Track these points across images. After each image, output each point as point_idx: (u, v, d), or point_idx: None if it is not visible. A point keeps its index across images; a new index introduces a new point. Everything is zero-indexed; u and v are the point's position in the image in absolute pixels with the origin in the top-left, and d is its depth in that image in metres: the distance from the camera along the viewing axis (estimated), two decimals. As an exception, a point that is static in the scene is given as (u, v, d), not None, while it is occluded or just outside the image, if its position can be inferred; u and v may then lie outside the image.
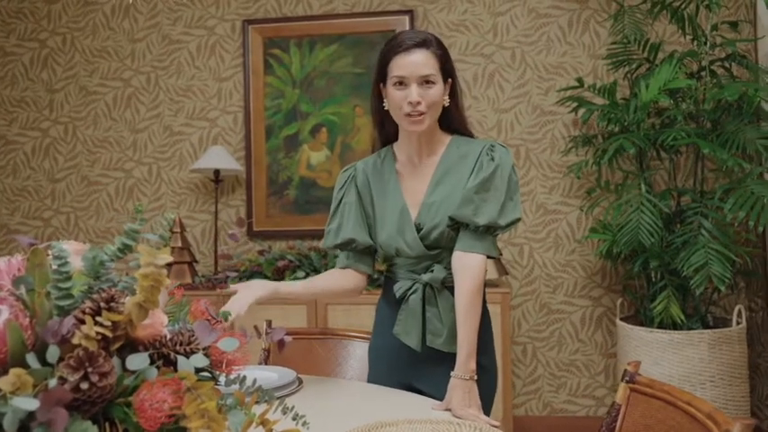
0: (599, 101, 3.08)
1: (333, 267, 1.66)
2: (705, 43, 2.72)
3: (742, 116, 2.58)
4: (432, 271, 1.49)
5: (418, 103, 1.42)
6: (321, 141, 3.43)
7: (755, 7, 3.00)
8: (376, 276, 2.82)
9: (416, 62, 1.42)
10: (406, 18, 3.34)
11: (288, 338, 0.96)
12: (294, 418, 0.97)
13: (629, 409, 1.23)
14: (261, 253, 3.22)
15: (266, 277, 3.02)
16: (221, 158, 3.27)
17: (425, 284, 1.50)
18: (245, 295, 1.39)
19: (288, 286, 1.50)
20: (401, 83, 1.43)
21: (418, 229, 1.49)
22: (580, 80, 3.07)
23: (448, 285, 1.49)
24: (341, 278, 1.60)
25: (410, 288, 1.51)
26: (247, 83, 3.46)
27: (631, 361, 1.28)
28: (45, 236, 3.66)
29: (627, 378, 1.25)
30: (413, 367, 1.54)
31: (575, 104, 3.07)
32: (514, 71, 3.35)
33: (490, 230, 1.43)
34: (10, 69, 3.69)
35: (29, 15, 3.68)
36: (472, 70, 3.37)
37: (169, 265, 2.85)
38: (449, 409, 1.35)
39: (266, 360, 1.86)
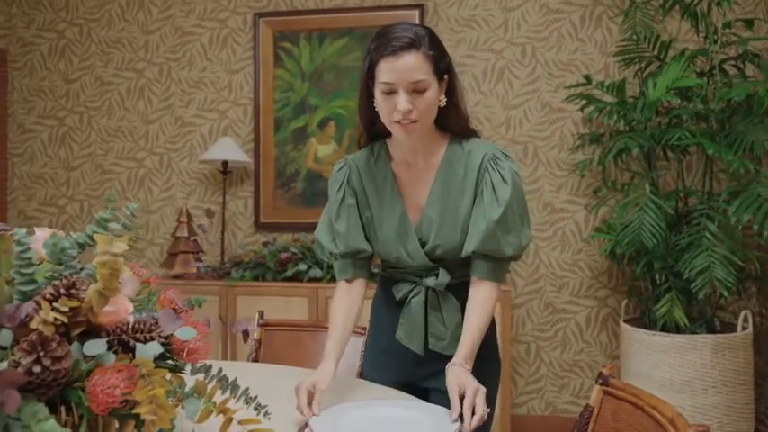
0: (608, 98, 3.03)
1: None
2: (716, 41, 2.66)
3: (751, 117, 2.52)
4: (436, 276, 1.41)
5: (409, 111, 1.27)
6: (329, 135, 3.44)
7: (773, 5, 2.93)
8: (376, 271, 2.83)
9: (406, 67, 1.25)
10: (416, 12, 3.33)
11: (252, 329, 0.97)
12: (256, 408, 0.98)
13: (602, 411, 1.22)
14: (265, 245, 3.24)
15: (269, 269, 3.05)
16: (230, 150, 3.30)
17: (428, 288, 1.42)
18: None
19: (335, 355, 1.36)
20: (391, 90, 1.27)
21: (422, 244, 1.41)
22: (588, 77, 3.03)
23: (452, 289, 1.42)
24: (355, 295, 1.48)
25: (411, 291, 1.44)
26: (257, 75, 3.48)
27: (608, 364, 1.27)
28: (60, 222, 3.74)
29: (601, 380, 1.24)
30: (419, 367, 1.47)
31: (583, 102, 3.03)
32: (524, 67, 3.31)
33: (512, 259, 1.39)
34: (29, 59, 3.77)
35: (47, 6, 3.75)
36: (482, 66, 3.34)
37: (175, 254, 2.89)
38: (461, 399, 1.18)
39: (257, 351, 1.87)
